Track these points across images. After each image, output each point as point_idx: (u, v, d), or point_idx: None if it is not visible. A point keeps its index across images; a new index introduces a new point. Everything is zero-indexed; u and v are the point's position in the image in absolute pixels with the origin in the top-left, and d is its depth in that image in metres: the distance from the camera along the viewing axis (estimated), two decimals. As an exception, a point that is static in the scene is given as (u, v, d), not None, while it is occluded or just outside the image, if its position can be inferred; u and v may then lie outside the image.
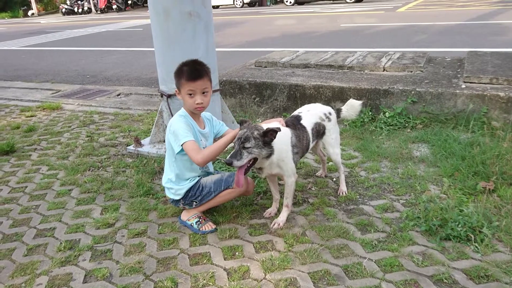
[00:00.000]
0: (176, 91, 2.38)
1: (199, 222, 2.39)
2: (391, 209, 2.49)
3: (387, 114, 3.66)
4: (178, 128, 2.23)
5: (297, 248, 2.17)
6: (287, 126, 2.35)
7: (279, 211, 2.48)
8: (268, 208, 2.55)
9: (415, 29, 10.09)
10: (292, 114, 2.60)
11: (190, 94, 2.26)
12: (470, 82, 3.64)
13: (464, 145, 3.09)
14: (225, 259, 2.12)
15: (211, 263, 2.09)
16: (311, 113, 2.52)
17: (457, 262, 2.00)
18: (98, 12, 30.16)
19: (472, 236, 2.12)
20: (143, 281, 1.99)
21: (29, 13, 33.77)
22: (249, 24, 14.12)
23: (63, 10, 31.54)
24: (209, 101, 2.35)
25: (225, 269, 2.04)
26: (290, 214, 2.50)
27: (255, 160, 2.10)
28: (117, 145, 3.79)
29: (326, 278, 1.94)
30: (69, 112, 5.09)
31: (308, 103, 3.97)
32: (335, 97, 3.90)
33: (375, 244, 2.16)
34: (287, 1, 23.51)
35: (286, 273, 1.98)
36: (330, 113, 2.61)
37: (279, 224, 2.35)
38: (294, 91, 4.06)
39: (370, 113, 3.76)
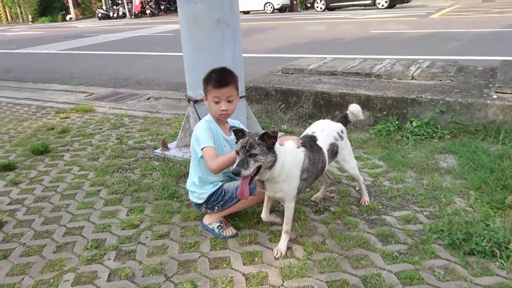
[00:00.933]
0: (203, 97, 2.44)
1: (220, 227, 2.43)
2: (414, 221, 2.46)
3: (414, 124, 3.60)
4: (200, 133, 2.29)
5: (316, 257, 2.17)
6: (304, 145, 2.27)
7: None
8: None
9: (448, 36, 9.86)
10: (305, 133, 2.49)
11: (216, 101, 2.32)
12: (502, 93, 3.54)
13: (494, 157, 3.01)
14: (244, 264, 2.15)
15: (230, 268, 2.13)
16: (325, 133, 2.43)
17: (481, 278, 1.95)
18: (133, 17, 31.05)
19: (498, 252, 2.07)
20: (163, 282, 2.04)
21: (67, 17, 35.15)
22: (278, 30, 14.17)
23: (99, 14, 32.64)
24: (235, 108, 2.40)
25: (243, 274, 2.07)
26: (311, 222, 2.51)
27: (258, 169, 1.99)
28: (145, 148, 3.90)
29: (344, 288, 1.94)
30: (101, 114, 5.27)
31: (334, 111, 4.01)
32: (361, 106, 3.82)
33: (396, 256, 2.14)
34: (317, 7, 23.43)
35: (304, 281, 1.99)
36: (342, 131, 2.54)
37: (281, 252, 2.21)
38: (320, 98, 4.06)
39: (396, 122, 3.71)
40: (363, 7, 22.47)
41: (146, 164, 3.50)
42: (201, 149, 2.25)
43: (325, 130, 2.45)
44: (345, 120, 2.64)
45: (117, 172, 3.39)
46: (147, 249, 2.33)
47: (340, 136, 2.50)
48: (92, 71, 8.75)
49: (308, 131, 2.51)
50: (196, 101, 3.42)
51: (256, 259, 2.19)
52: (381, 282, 1.95)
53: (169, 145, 3.73)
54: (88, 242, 2.40)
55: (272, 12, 25.59)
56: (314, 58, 5.53)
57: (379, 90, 3.89)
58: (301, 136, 2.47)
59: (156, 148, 3.77)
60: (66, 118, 5.17)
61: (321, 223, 2.51)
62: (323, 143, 2.37)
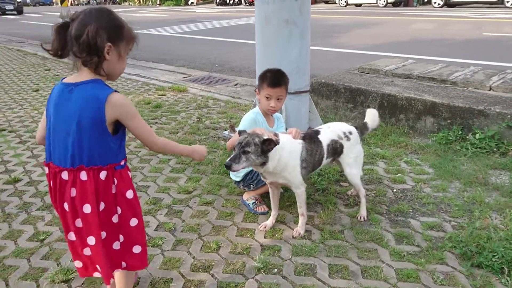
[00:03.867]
0: (256, 91, 2.79)
1: (255, 203, 2.79)
2: (437, 228, 2.53)
3: (477, 136, 3.51)
4: (243, 121, 2.67)
5: (328, 242, 2.41)
6: (303, 138, 2.46)
7: (279, 224, 2.71)
8: (310, 210, 2.80)
9: None
10: (314, 128, 2.72)
11: (267, 98, 2.65)
12: None
13: (552, 180, 2.86)
14: (265, 237, 2.49)
15: (252, 238, 2.48)
16: (330, 130, 2.60)
17: (479, 290, 2.02)
18: (247, 4, 32.33)
19: (507, 269, 2.09)
20: (196, 239, 2.48)
21: (189, 2, 37.91)
22: (383, 26, 13.76)
23: (218, 0, 34.60)
24: (281, 106, 2.75)
25: (261, 245, 2.41)
26: (338, 213, 2.73)
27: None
28: (217, 129, 4.40)
29: (342, 272, 2.16)
30: (191, 95, 5.94)
31: (399, 114, 4.06)
32: (426, 112, 3.87)
33: (403, 255, 2.27)
34: (435, 3, 21.92)
35: (309, 259, 2.26)
36: (350, 133, 2.62)
37: (299, 233, 2.46)
38: (386, 100, 4.13)
39: (460, 132, 3.64)
40: (488, 5, 20.47)
41: (213, 143, 3.98)
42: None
43: (331, 128, 2.63)
44: (363, 127, 2.76)
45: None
46: (192, 211, 2.79)
47: (346, 136, 2.60)
48: (195, 54, 9.62)
49: (318, 127, 2.72)
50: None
51: (276, 234, 2.51)
52: (378, 273, 2.13)
53: (236, 128, 4.15)
54: (149, 198, 2.95)
55: (385, 6, 24.58)
56: (396, 59, 5.49)
57: (448, 97, 3.83)
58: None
59: (225, 130, 4.24)
60: (162, 95, 5.93)
61: (347, 215, 2.71)
62: (324, 137, 2.53)
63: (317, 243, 2.41)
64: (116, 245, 1.70)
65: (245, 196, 2.87)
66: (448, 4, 21.59)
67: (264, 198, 2.87)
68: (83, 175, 1.54)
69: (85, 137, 1.51)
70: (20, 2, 27.98)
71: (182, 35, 13.40)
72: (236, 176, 2.82)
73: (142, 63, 8.78)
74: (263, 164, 2.22)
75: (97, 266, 1.70)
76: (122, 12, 18.11)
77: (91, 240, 1.62)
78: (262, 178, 2.51)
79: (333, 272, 2.16)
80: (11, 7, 26.65)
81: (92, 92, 1.49)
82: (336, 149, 2.58)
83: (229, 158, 2.17)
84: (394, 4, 24.80)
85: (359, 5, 26.17)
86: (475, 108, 3.58)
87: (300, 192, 2.44)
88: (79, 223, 1.60)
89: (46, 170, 1.62)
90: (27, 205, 2.91)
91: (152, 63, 8.80)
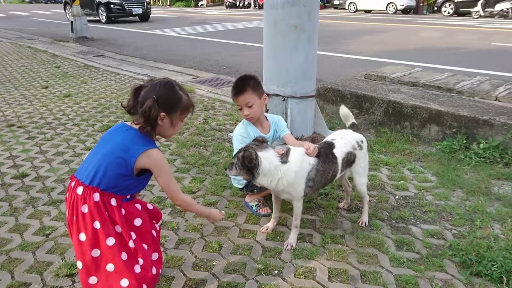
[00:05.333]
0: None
1: (258, 205, 2.82)
2: (438, 236, 2.55)
3: (481, 146, 3.52)
4: (234, 139, 2.74)
5: (329, 246, 2.43)
6: (318, 155, 2.38)
7: (279, 229, 2.74)
8: (307, 214, 2.82)
9: None
10: (325, 139, 2.60)
11: (239, 108, 2.65)
12: None
13: (555, 192, 2.87)
14: (266, 239, 2.52)
15: (254, 239, 2.51)
16: (344, 141, 2.50)
17: (477, 298, 2.04)
18: (257, 7, 32.41)
19: (505, 278, 2.11)
20: (198, 238, 2.52)
21: (199, 3, 38.04)
22: (392, 33, 13.77)
23: (227, 3, 34.69)
24: (259, 110, 2.64)
25: (263, 246, 2.44)
26: (340, 218, 2.76)
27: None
28: (222, 130, 4.44)
29: (341, 276, 2.19)
30: (198, 96, 5.98)
31: (404, 122, 4.07)
32: (431, 120, 3.88)
33: (403, 261, 2.30)
34: (445, 11, 21.90)
35: (309, 262, 2.29)
36: (362, 141, 2.58)
37: (291, 245, 2.41)
38: (392, 107, 4.15)
39: (464, 141, 3.65)
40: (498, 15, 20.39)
41: (218, 144, 4.02)
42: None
43: (344, 138, 2.52)
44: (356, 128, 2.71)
45: (194, 147, 3.97)
46: (195, 211, 2.82)
47: (359, 146, 2.55)
48: (203, 56, 9.68)
49: (328, 138, 2.60)
50: (267, 95, 3.81)
51: (278, 237, 2.54)
52: (377, 278, 2.16)
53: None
54: (154, 197, 2.99)
55: (395, 13, 24.57)
56: (403, 66, 5.51)
57: (453, 106, 3.85)
58: (321, 142, 2.60)
59: (231, 132, 4.28)
60: (169, 95, 5.97)
61: (349, 220, 2.73)
62: (340, 152, 2.45)
63: (317, 246, 2.44)
64: (137, 269, 1.77)
65: (248, 198, 2.90)
66: (458, 13, 21.56)
67: (267, 200, 2.90)
68: (96, 196, 1.67)
69: (108, 168, 1.69)
70: (149, 5, 20.47)
71: (191, 36, 13.48)
72: (239, 183, 2.85)
73: (150, 63, 8.86)
74: (252, 177, 2.22)
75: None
76: (132, 12, 18.23)
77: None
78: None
79: (332, 276, 2.19)
80: (139, 10, 19.06)
81: (128, 145, 1.71)
82: (349, 161, 2.53)
83: (229, 163, 2.28)
84: (404, 12, 24.78)
85: (369, 11, 26.19)
86: (480, 118, 3.59)
87: (299, 205, 2.39)
88: (96, 252, 1.71)
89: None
90: (34, 200, 2.96)
91: (161, 63, 8.87)
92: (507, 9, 19.28)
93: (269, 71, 3.79)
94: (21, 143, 4.06)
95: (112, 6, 18.37)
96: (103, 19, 18.63)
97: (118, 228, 1.71)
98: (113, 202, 1.71)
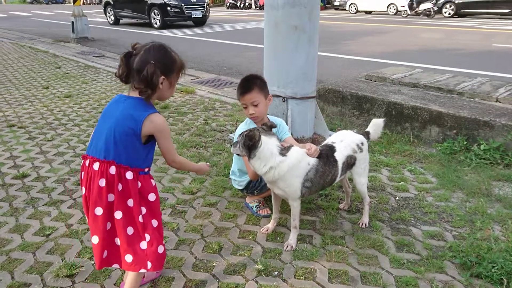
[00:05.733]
0: None
1: (258, 206, 2.82)
2: (438, 237, 2.54)
3: (482, 147, 3.51)
4: (235, 135, 2.71)
5: (329, 247, 2.43)
6: (320, 156, 2.36)
7: (279, 230, 2.74)
8: (310, 215, 2.82)
9: None
10: (326, 142, 2.57)
11: (244, 107, 2.63)
12: None
13: (555, 194, 2.87)
14: (266, 240, 2.52)
15: (254, 240, 2.51)
16: (344, 144, 2.48)
17: (477, 300, 2.03)
18: (257, 8, 32.41)
19: (506, 280, 2.10)
20: (198, 239, 2.52)
21: (200, 4, 38.03)
22: (392, 34, 13.76)
23: (228, 4, 34.69)
24: (263, 109, 2.63)
25: (263, 248, 2.44)
26: (340, 219, 2.76)
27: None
28: (223, 131, 4.44)
29: (341, 277, 2.18)
30: (199, 97, 5.99)
31: (404, 123, 4.07)
32: (431, 121, 3.88)
33: (403, 263, 2.29)
34: (445, 12, 21.86)
35: (310, 263, 2.29)
36: (362, 143, 2.56)
37: (291, 246, 2.41)
38: (392, 108, 4.14)
39: (465, 142, 3.65)
40: (499, 16, 20.38)
41: (219, 145, 4.02)
42: None
43: (344, 141, 2.51)
44: (365, 136, 2.67)
45: (194, 147, 3.97)
46: (195, 212, 2.83)
47: (360, 148, 2.54)
48: (204, 57, 9.69)
49: (329, 140, 2.58)
50: (268, 96, 3.81)
51: (278, 238, 2.54)
52: (377, 280, 2.15)
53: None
54: (154, 198, 2.99)
55: (395, 14, 24.55)
56: (403, 67, 5.51)
57: (453, 108, 3.84)
58: (322, 144, 2.57)
59: (231, 133, 4.28)
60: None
61: (349, 221, 2.73)
62: (340, 155, 2.44)
63: (318, 247, 2.43)
64: (143, 245, 1.80)
65: (248, 199, 2.90)
66: (458, 14, 21.53)
67: (267, 201, 2.89)
68: (112, 170, 1.71)
69: (118, 140, 1.72)
70: (208, 6, 18.31)
71: (192, 37, 13.48)
72: (239, 185, 2.85)
73: (151, 64, 8.84)
74: (249, 157, 2.26)
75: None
76: (133, 12, 18.19)
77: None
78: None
79: (332, 277, 2.19)
80: (199, 14, 16.60)
81: (132, 112, 1.73)
82: (349, 164, 2.52)
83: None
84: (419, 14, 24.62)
85: (369, 12, 26.17)
86: (481, 119, 3.59)
87: (296, 204, 2.38)
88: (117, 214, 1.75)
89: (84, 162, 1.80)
90: (34, 200, 2.96)
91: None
92: (430, 8, 21.29)
93: (269, 72, 3.78)
94: (21, 144, 4.06)
95: (169, 9, 15.73)
96: (156, 23, 16.14)
97: (130, 202, 1.75)
98: (129, 175, 1.74)
